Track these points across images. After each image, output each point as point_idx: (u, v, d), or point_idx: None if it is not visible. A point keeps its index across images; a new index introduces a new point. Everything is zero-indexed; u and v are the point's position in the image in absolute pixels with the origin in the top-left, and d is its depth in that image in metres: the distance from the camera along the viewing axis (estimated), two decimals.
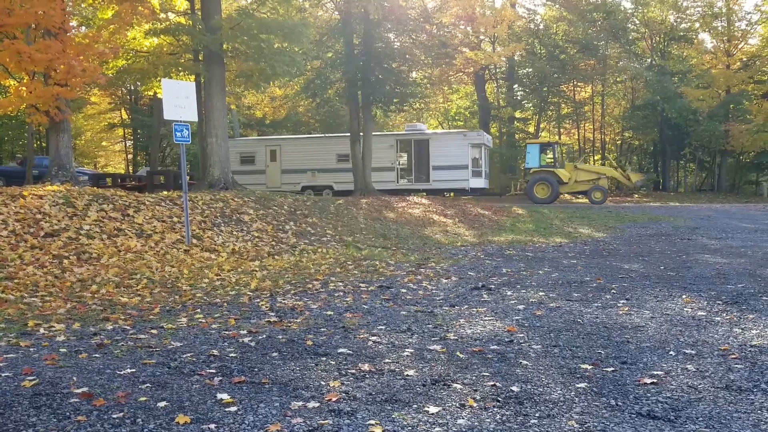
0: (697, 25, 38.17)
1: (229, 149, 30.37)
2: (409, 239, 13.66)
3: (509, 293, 7.02)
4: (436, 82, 31.71)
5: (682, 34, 39.35)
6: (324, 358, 4.45)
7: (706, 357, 4.23)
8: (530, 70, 39.97)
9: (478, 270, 9.00)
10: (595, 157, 45.36)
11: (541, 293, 6.96)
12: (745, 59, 36.38)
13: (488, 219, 18.30)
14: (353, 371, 4.11)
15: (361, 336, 5.11)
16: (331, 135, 32.03)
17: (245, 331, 5.36)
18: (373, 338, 5.03)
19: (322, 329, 5.40)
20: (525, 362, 4.24)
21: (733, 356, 4.21)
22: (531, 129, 42.41)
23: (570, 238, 14.16)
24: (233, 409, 3.44)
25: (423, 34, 26.63)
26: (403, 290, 7.35)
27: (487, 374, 3.98)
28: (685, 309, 5.93)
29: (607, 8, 36.74)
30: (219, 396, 3.64)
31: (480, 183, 28.93)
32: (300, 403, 3.50)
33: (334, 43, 26.69)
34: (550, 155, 29.66)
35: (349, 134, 26.29)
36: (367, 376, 4.01)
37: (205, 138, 18.91)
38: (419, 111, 42.25)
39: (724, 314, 5.63)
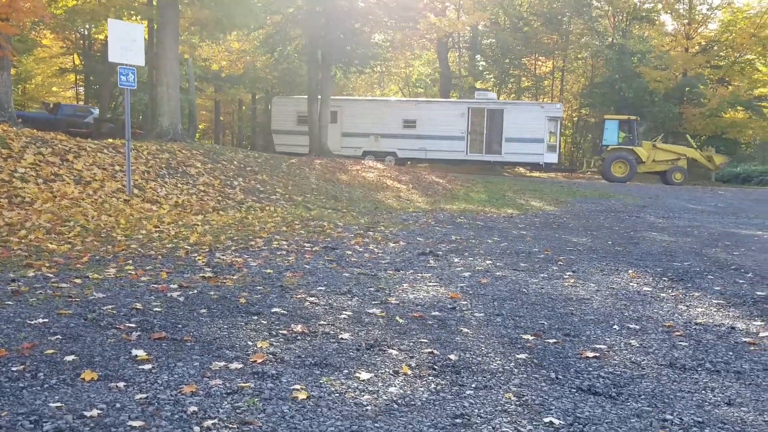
0: (659, 6, 38.38)
1: (286, 108, 29.20)
2: (361, 202, 13.42)
3: (456, 260, 6.86)
4: (398, 46, 31.18)
5: (644, 14, 39.54)
6: (255, 317, 4.21)
7: (650, 333, 4.13)
8: (493, 40, 39.75)
9: (427, 236, 8.83)
10: None
11: (488, 262, 6.82)
12: (703, 43, 36.81)
13: (442, 187, 18.17)
14: (285, 332, 3.88)
15: (299, 296, 4.88)
16: (397, 99, 30.81)
17: (176, 286, 5.07)
18: (311, 299, 4.80)
19: (259, 287, 5.15)
20: (466, 330, 4.07)
21: (678, 333, 4.12)
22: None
23: (521, 210, 14.12)
24: (147, 366, 3.18)
25: None
26: (349, 252, 7.12)
27: (425, 341, 3.80)
28: (631, 284, 5.86)
29: None
30: (134, 352, 3.37)
31: (554, 158, 27.87)
32: (222, 364, 3.25)
33: None
34: (629, 132, 28.01)
35: (413, 99, 25.29)
36: (299, 337, 3.78)
37: (155, 86, 18.20)
38: (380, 74, 41.73)
39: (670, 291, 5.58)
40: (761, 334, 4.13)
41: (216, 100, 42.54)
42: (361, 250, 7.35)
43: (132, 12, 19.63)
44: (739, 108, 35.04)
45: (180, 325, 3.95)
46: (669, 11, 37.71)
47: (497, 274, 6.14)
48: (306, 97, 28.17)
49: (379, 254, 7.10)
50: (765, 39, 33.46)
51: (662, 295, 5.40)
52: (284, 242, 7.65)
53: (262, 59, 34.26)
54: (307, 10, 23.97)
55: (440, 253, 7.30)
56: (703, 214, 14.72)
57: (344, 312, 4.43)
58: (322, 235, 8.42)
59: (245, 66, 37.59)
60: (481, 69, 41.49)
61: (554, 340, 3.89)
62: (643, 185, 26.27)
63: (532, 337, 3.94)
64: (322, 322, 4.14)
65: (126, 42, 10.49)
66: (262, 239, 7.81)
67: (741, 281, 6.14)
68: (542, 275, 6.16)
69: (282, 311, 4.39)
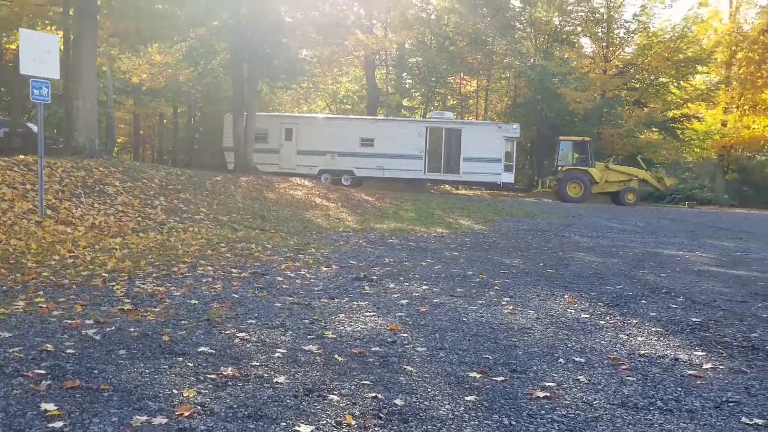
0: (579, 29, 39.76)
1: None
2: (289, 222, 13.06)
3: (392, 285, 6.64)
4: (326, 62, 31.00)
5: (565, 36, 40.87)
6: (181, 359, 3.85)
7: (596, 367, 4.02)
8: (420, 59, 40.16)
9: (360, 258, 8.60)
10: None
11: (424, 287, 6.64)
12: (621, 66, 38.31)
13: (371, 205, 18.01)
14: (213, 376, 3.54)
15: (228, 331, 4.54)
16: (354, 117, 30.25)
17: (91, 321, 4.64)
18: (241, 334, 4.46)
19: (183, 322, 4.77)
20: (409, 368, 3.84)
21: (624, 367, 4.02)
22: (418, 117, 42.68)
23: (451, 229, 14.10)
24: (59, 424, 2.80)
25: (315, 10, 25.84)
26: (280, 278, 6.80)
27: (367, 383, 3.54)
28: (569, 310, 5.79)
29: (497, 4, 37.47)
30: (43, 406, 2.98)
31: (510, 178, 28.01)
32: (144, 418, 2.90)
33: (221, 11, 25.34)
34: (582, 153, 28.51)
35: (371, 117, 24.83)
36: (230, 383, 3.45)
37: (71, 100, 17.31)
38: (307, 90, 41.42)
39: (608, 317, 5.53)
40: (705, 366, 4.08)
41: (135, 114, 41.12)
42: (292, 275, 7.03)
43: (47, 22, 18.69)
44: (654, 129, 36.58)
45: (96, 371, 3.56)
46: (588, 34, 39.12)
47: (435, 301, 5.95)
48: (262, 113, 27.69)
49: (312, 280, 6.81)
50: (678, 63, 35.13)
51: (601, 322, 5.33)
52: (210, 267, 7.25)
53: (185, 72, 33.38)
54: (233, 23, 23.46)
55: (375, 277, 7.07)
56: (624, 234, 15.09)
57: (278, 349, 4.12)
58: (250, 259, 8.05)
59: (167, 79, 36.54)
60: (408, 87, 41.81)
61: (502, 378, 3.71)
62: (566, 204, 26.92)
63: (479, 375, 3.75)
64: (254, 363, 3.82)
65: (39, 53, 9.86)
66: (186, 264, 7.38)
67: (674, 306, 6.17)
68: (480, 301, 6.01)
69: (210, 350, 4.04)
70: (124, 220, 10.78)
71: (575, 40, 41.33)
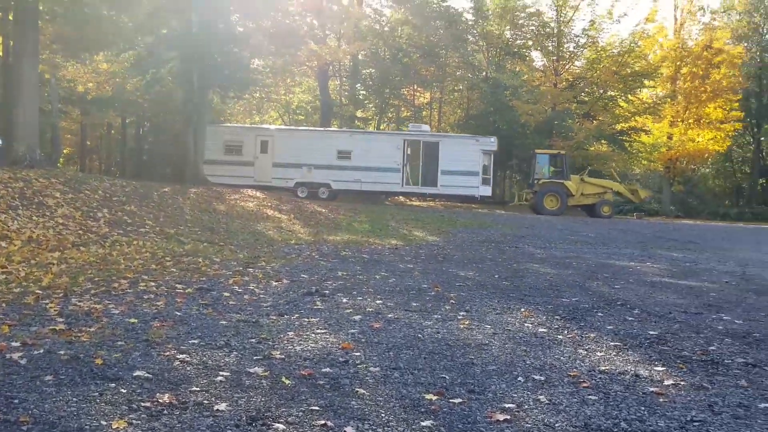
0: (530, 42, 40.34)
1: (213, 136, 27.50)
2: (240, 234, 12.70)
3: (345, 300, 6.41)
4: (278, 72, 30.71)
5: (516, 50, 41.41)
6: (113, 385, 3.54)
7: (556, 385, 3.85)
8: (373, 70, 40.16)
9: (312, 272, 8.34)
10: None
11: (378, 301, 6.42)
12: (571, 79, 38.98)
13: (324, 217, 17.74)
14: (148, 404, 3.25)
15: (167, 353, 4.23)
16: (332, 129, 29.85)
17: (18, 343, 4.28)
18: (182, 356, 4.17)
19: (120, 343, 4.45)
20: (362, 391, 3.61)
21: (585, 385, 3.86)
22: (372, 129, 42.64)
23: (405, 241, 13.94)
24: None
25: (268, 20, 25.56)
26: (227, 294, 6.49)
27: (316, 408, 3.30)
28: (526, 324, 5.65)
29: (450, 17, 37.76)
30: None
31: (488, 191, 27.91)
32: None
33: (171, 19, 24.80)
34: (559, 166, 28.56)
35: (348, 130, 24.55)
36: (165, 411, 3.17)
37: (11, 108, 16.62)
38: (260, 101, 40.97)
39: (565, 332, 5.40)
40: (666, 383, 3.97)
41: (82, 124, 39.95)
42: (240, 291, 6.73)
43: None
44: (603, 141, 37.26)
45: (17, 400, 3.23)
46: (539, 48, 39.71)
47: (389, 316, 5.74)
48: (236, 125, 27.15)
49: (261, 295, 6.52)
50: (626, 77, 35.89)
51: (559, 337, 5.20)
52: (153, 283, 6.90)
53: (132, 81, 32.60)
54: (183, 32, 22.96)
55: (327, 292, 6.82)
56: (577, 245, 15.17)
57: (221, 372, 3.85)
58: (196, 274, 7.71)
59: (114, 88, 35.64)
60: (362, 98, 41.74)
61: (459, 400, 3.51)
62: (520, 215, 27.10)
63: (436, 397, 3.54)
64: (194, 388, 3.53)
65: None
66: (128, 280, 7.01)
67: (630, 318, 6.10)
68: (436, 316, 5.82)
69: (146, 375, 3.74)
70: (64, 233, 10.27)
71: (526, 54, 41.92)
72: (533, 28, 39.61)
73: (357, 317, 5.62)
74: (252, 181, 26.41)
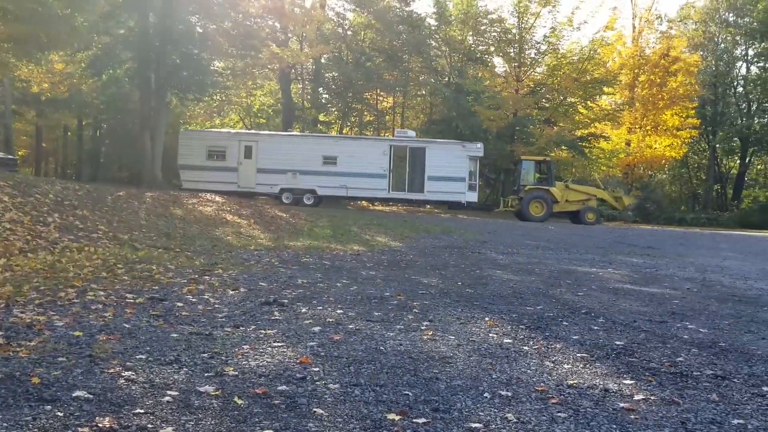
0: (492, 48, 40.60)
1: (195, 141, 26.92)
2: (197, 240, 12.33)
3: (304, 310, 6.17)
4: (239, 74, 30.25)
5: (478, 56, 41.62)
6: (49, 407, 3.26)
7: (524, 401, 3.69)
8: (336, 74, 39.93)
9: (271, 280, 8.07)
10: None
11: (339, 311, 6.20)
12: (532, 85, 39.31)
13: (285, 222, 17.43)
14: (86, 430, 2.98)
15: (112, 370, 3.95)
16: (317, 135, 29.54)
17: None
18: (127, 373, 3.89)
19: (61, 359, 4.15)
20: (320, 411, 3.39)
21: (554, 400, 3.71)
22: (334, 133, 42.38)
23: (368, 247, 13.74)
24: None
25: (228, 21, 25.13)
26: (180, 304, 6.20)
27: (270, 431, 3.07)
28: (491, 335, 5.49)
29: (413, 22, 37.76)
30: None
31: (474, 197, 27.86)
32: None
33: (128, 19, 24.25)
34: (543, 173, 28.50)
35: (334, 135, 24.42)
36: None
37: None
38: (221, 103, 40.38)
39: (531, 342, 5.26)
40: (636, 397, 3.83)
41: (38, 125, 38.86)
42: (194, 300, 6.44)
43: None
44: (563, 147, 37.65)
45: None
46: (501, 54, 39.98)
47: (350, 327, 5.53)
48: (220, 130, 26.71)
49: (216, 305, 6.24)
50: (585, 84, 36.34)
51: (525, 348, 5.05)
52: (102, 292, 6.56)
53: (88, 82, 31.82)
54: (140, 32, 22.44)
55: (286, 301, 6.57)
56: (538, 250, 15.17)
57: (168, 392, 3.58)
58: (149, 282, 7.38)
59: (70, 89, 34.76)
60: (324, 102, 41.46)
61: (423, 420, 3.32)
62: (481, 220, 27.14)
63: (398, 417, 3.34)
64: (138, 410, 3.27)
65: None
66: (76, 289, 6.66)
67: (595, 327, 5.99)
68: (398, 327, 5.63)
69: (87, 395, 3.46)
70: (11, 239, 9.80)
71: (488, 60, 42.17)
72: (495, 34, 39.87)
73: (316, 328, 5.39)
74: (235, 187, 26.20)
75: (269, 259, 10.40)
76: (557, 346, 5.15)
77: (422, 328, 5.63)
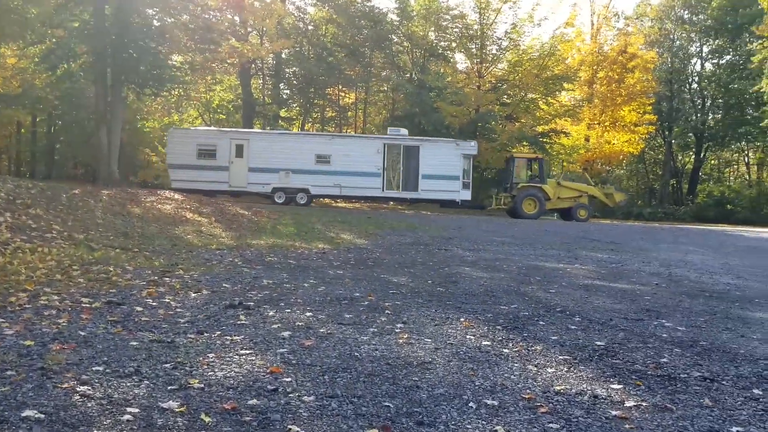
0: (454, 44, 40.57)
1: (184, 139, 26.42)
2: (156, 239, 11.90)
3: (272, 314, 5.89)
4: (198, 68, 29.58)
5: (440, 51, 41.55)
6: None
7: (512, 411, 3.49)
8: (297, 69, 39.43)
9: (235, 281, 7.76)
10: None
11: (308, 314, 5.94)
12: (494, 82, 39.40)
13: (248, 219, 17.03)
14: None
15: (66, 384, 3.63)
16: (310, 133, 29.12)
17: None
18: (83, 388, 3.58)
19: (9, 372, 3.81)
20: (295, 428, 3.13)
21: (543, 410, 3.51)
22: (296, 129, 41.88)
23: (333, 244, 13.48)
24: None
25: (186, 14, 24.50)
26: (139, 308, 5.86)
27: None
28: (468, 336, 5.30)
29: (375, 17, 37.48)
30: None
31: (468, 195, 27.65)
32: None
33: (82, 11, 23.46)
34: (536, 170, 28.59)
35: (327, 134, 24.20)
36: None
37: None
38: (179, 99, 39.55)
39: (510, 344, 5.07)
40: (627, 404, 3.67)
41: None
42: (154, 304, 6.10)
43: None
44: (525, 143, 37.86)
45: None
46: (462, 50, 39.98)
47: (321, 331, 5.27)
48: (211, 128, 26.33)
49: (178, 309, 5.92)
50: (546, 80, 36.55)
51: (505, 350, 4.86)
52: (56, 297, 6.17)
53: (42, 77, 30.78)
54: (95, 25, 21.71)
55: (252, 304, 6.28)
56: (504, 246, 15.11)
57: (128, 409, 3.28)
58: (106, 285, 7.00)
59: (23, 84, 33.60)
60: (285, 97, 40.90)
61: None
62: (446, 216, 27.06)
63: None
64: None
65: None
66: (27, 293, 6.26)
67: (573, 327, 5.85)
68: (372, 330, 5.40)
69: (37, 414, 3.14)
70: None
71: (450, 56, 42.14)
72: (457, 30, 39.84)
73: (286, 333, 5.12)
74: (227, 186, 26.04)
75: (232, 258, 10.06)
76: (537, 347, 4.98)
77: (396, 330, 5.40)
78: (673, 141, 51.90)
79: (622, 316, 6.48)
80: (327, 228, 17.05)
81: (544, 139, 38.75)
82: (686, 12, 53.39)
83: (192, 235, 13.05)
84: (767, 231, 27.92)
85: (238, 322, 5.47)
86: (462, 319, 5.97)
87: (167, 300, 6.33)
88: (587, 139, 41.49)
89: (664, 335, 5.60)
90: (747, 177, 56.67)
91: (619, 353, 4.86)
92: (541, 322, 5.98)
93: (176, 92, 35.02)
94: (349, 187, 27.06)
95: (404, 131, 30.15)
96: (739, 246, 19.00)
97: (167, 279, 7.64)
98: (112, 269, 8.08)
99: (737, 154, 56.02)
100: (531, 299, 7.38)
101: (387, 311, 6.23)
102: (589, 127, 41.32)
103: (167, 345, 4.62)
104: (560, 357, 4.70)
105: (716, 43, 51.69)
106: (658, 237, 21.11)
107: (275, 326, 5.38)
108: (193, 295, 6.70)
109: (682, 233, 24.27)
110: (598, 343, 5.19)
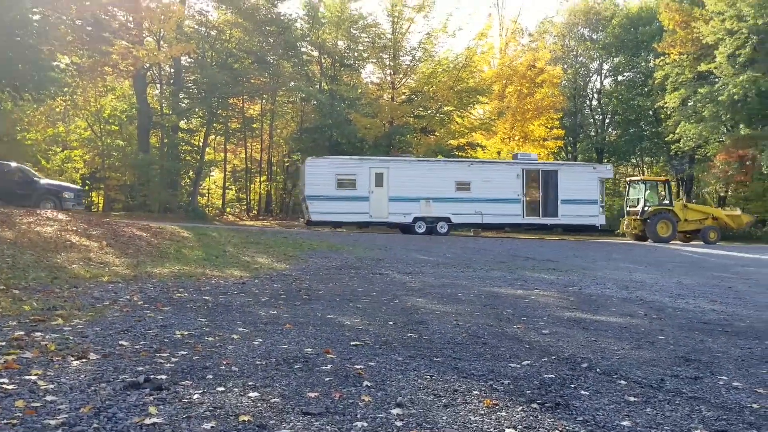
0: (365, 54, 39.15)
1: (323, 169, 25.14)
2: (31, 271, 9.41)
3: (196, 396, 3.91)
4: (86, 71, 26.50)
5: (351, 62, 40.04)
6: None
7: None
8: (199, 76, 36.69)
9: (136, 334, 5.67)
10: (261, 179, 43.80)
11: (252, 395, 3.99)
12: (408, 93, 38.23)
13: (146, 242, 14.60)
14: None
15: None
16: (448, 160, 27.93)
17: None
18: None
19: None
20: None
21: None
22: (198, 141, 39.01)
23: (250, 271, 11.49)
24: None
25: (72, 7, 21.65)
26: None
27: None
28: (506, 430, 3.54)
29: (282, 24, 35.49)
30: None
31: (603, 220, 27.01)
32: None
33: None
34: (665, 193, 28.31)
35: (466, 159, 22.79)
36: None
37: None
38: (66, 107, 35.94)
39: None
40: None
41: None
42: (11, 388, 3.96)
43: None
44: (441, 156, 36.88)
45: None
46: (374, 60, 38.62)
47: (274, 427, 3.36)
48: (349, 157, 26.17)
49: (48, 398, 3.81)
50: (461, 92, 35.73)
51: None
52: None
53: None
54: None
55: (164, 378, 4.26)
56: (440, 267, 13.73)
57: None
58: None
59: None
60: (186, 107, 37.88)
61: None
62: (362, 234, 25.38)
63: None
64: None
65: None
66: None
67: (631, 398, 4.21)
68: (360, 425, 3.53)
69: None
70: None
71: (361, 66, 40.72)
72: (368, 39, 38.43)
73: None
74: (368, 217, 25.21)
75: (129, 296, 7.89)
76: None
77: (398, 424, 3.56)
78: (579, 156, 52.76)
79: (666, 371, 4.92)
80: (239, 251, 14.93)
81: (460, 153, 37.87)
82: (587, 30, 54.61)
83: (78, 264, 10.60)
84: (675, 245, 28.00)
85: (146, 422, 3.45)
86: (476, 392, 4.21)
87: (33, 377, 4.19)
88: (499, 153, 41.08)
89: (755, 405, 4.06)
90: None
91: None
92: (582, 391, 4.30)
93: (61, 99, 31.63)
94: (490, 213, 26.05)
95: (534, 155, 29.39)
96: (675, 262, 18.38)
97: (39, 334, 5.44)
98: None
99: (638, 168, 57.67)
100: (532, 347, 5.74)
101: (365, 382, 4.37)
102: (502, 140, 40.97)
103: None
104: None
105: (616, 60, 53.05)
106: (589, 254, 20.23)
107: (207, 426, 3.41)
108: (75, 364, 4.59)
109: (606, 249, 23.68)
110: (693, 427, 3.56)
